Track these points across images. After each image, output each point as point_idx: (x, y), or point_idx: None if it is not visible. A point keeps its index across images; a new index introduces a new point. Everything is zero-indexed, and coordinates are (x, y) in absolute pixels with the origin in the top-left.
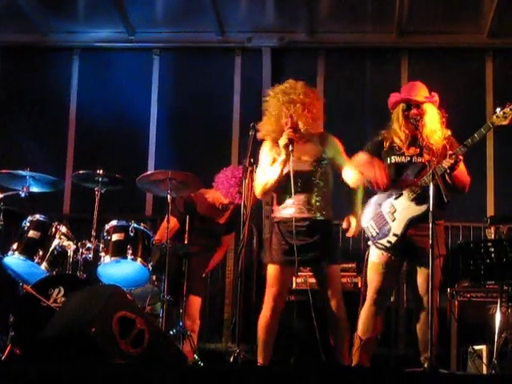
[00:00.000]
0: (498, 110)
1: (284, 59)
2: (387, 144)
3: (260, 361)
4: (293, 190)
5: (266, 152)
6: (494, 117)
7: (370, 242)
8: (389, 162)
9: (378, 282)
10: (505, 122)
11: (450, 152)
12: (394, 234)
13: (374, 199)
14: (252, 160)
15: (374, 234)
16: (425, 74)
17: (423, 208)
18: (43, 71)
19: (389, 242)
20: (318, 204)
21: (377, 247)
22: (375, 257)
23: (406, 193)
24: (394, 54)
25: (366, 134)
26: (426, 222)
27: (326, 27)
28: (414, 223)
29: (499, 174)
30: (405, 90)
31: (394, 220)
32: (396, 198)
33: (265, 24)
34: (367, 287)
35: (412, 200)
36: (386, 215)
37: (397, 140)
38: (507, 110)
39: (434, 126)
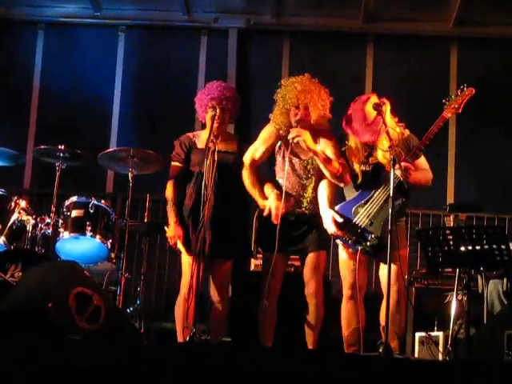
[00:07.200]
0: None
1: (250, 41)
2: None
3: (263, 343)
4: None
5: (268, 134)
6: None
7: (338, 241)
8: None
9: (350, 277)
10: (450, 114)
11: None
12: (376, 237)
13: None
14: (214, 140)
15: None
16: (390, 60)
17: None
18: (7, 45)
19: (371, 244)
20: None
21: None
22: (345, 254)
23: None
24: (359, 39)
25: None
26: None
27: (293, 10)
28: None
29: (460, 161)
30: None
31: (371, 224)
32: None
33: (231, 5)
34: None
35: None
36: (360, 219)
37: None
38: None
39: None
